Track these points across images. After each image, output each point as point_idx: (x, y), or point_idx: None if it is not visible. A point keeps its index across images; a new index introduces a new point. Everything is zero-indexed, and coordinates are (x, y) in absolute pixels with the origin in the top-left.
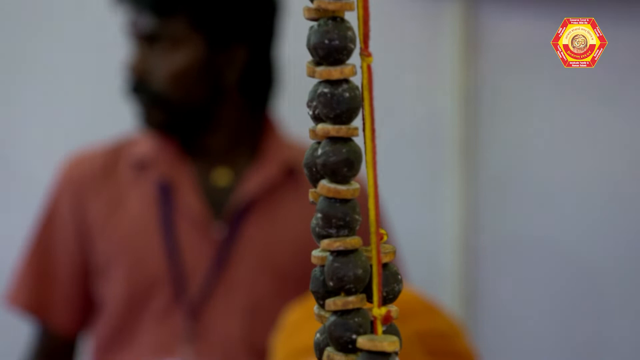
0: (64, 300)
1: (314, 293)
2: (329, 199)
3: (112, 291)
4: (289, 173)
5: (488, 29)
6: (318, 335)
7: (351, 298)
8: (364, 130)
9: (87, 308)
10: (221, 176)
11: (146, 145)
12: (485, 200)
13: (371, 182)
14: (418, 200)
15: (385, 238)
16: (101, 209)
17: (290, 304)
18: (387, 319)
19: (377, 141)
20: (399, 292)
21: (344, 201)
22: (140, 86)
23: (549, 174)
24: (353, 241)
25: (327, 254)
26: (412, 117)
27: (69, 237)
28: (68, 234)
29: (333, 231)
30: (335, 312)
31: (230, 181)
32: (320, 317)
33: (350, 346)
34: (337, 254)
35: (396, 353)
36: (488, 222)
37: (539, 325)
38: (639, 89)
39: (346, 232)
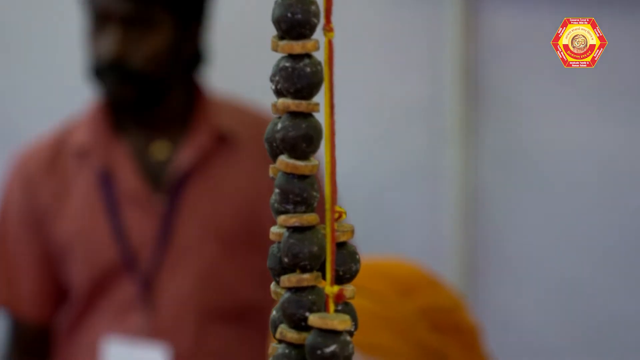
0: (32, 290)
1: (271, 270)
2: (287, 174)
3: (73, 277)
4: (221, 140)
5: (489, 7)
6: (274, 312)
7: (305, 275)
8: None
9: (56, 294)
10: (160, 149)
11: (83, 133)
12: (486, 176)
13: (328, 159)
14: (418, 177)
15: (343, 217)
16: (50, 200)
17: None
18: (339, 297)
19: (377, 117)
20: (356, 271)
21: (302, 177)
22: (116, 66)
23: (550, 152)
24: (310, 218)
25: (284, 230)
26: (412, 95)
27: (24, 230)
28: (23, 227)
29: (290, 207)
30: (289, 289)
31: (169, 154)
32: (276, 294)
33: (303, 323)
34: (293, 230)
35: (349, 332)
36: (489, 198)
37: (540, 296)
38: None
39: (303, 208)
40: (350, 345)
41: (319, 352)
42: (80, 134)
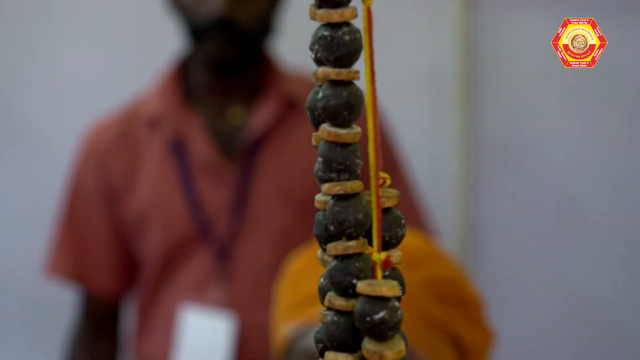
0: (104, 264)
1: (317, 237)
2: (329, 142)
3: (147, 248)
4: (290, 105)
5: None
6: (322, 279)
7: (352, 243)
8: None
9: (128, 268)
10: (236, 115)
11: (154, 103)
12: (486, 151)
13: (371, 126)
14: (418, 150)
15: (388, 182)
16: (123, 173)
17: (294, 252)
18: (386, 264)
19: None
20: (402, 237)
21: (345, 145)
22: (225, 24)
23: (548, 122)
24: (353, 185)
25: (329, 197)
26: (412, 68)
27: (97, 204)
28: (96, 201)
29: (334, 175)
30: (336, 257)
31: (244, 120)
32: (323, 262)
33: (350, 291)
34: (338, 198)
35: (397, 298)
36: (488, 169)
37: (537, 256)
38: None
39: (347, 176)
40: (399, 312)
41: (368, 318)
42: (150, 104)
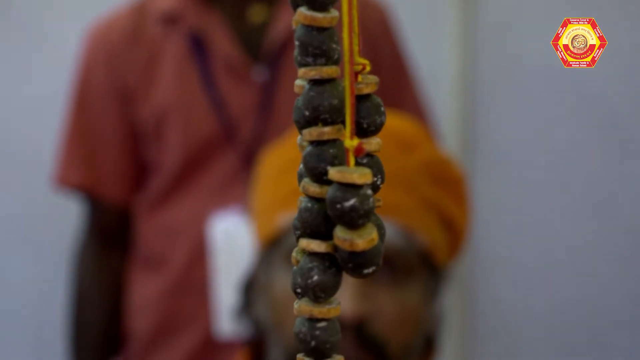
0: (114, 172)
1: (296, 122)
2: (306, 26)
3: (165, 153)
4: None
5: None
6: (301, 166)
7: (326, 129)
8: None
9: (136, 174)
10: (258, 12)
11: None
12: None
13: (345, 8)
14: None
15: (367, 69)
16: (137, 73)
17: (275, 143)
18: (359, 151)
19: None
20: (380, 124)
21: (321, 29)
22: None
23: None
24: (329, 70)
25: (305, 82)
26: None
27: (109, 107)
28: (108, 103)
29: (310, 60)
30: (311, 143)
31: (266, 17)
32: (302, 147)
33: (324, 177)
34: (314, 83)
35: (373, 185)
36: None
37: (534, 154)
38: None
39: (323, 61)
40: (371, 199)
41: (338, 206)
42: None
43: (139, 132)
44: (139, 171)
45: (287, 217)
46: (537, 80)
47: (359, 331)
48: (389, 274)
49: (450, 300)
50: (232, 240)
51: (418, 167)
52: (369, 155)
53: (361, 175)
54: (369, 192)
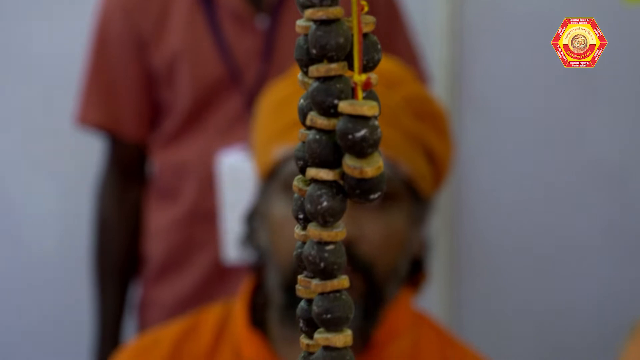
0: (131, 111)
1: (298, 61)
2: None
3: (176, 94)
4: None
5: None
6: (302, 100)
7: (333, 65)
8: None
9: (151, 114)
10: None
11: None
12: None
13: None
14: None
15: (365, 9)
16: (152, 21)
17: (272, 83)
18: (367, 85)
19: None
20: (378, 60)
21: None
22: None
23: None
24: (335, 11)
25: (311, 23)
26: None
27: (126, 53)
28: (125, 50)
29: (316, 1)
30: (317, 79)
31: None
32: (304, 84)
33: (332, 110)
34: (320, 23)
35: (375, 117)
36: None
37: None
38: None
39: (329, 1)
40: (378, 130)
41: (350, 136)
42: None
43: (153, 75)
44: (154, 111)
45: (282, 149)
46: (520, 27)
47: (348, 253)
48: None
49: (438, 229)
50: (237, 175)
51: (401, 103)
52: (369, 90)
53: (370, 108)
54: (376, 123)
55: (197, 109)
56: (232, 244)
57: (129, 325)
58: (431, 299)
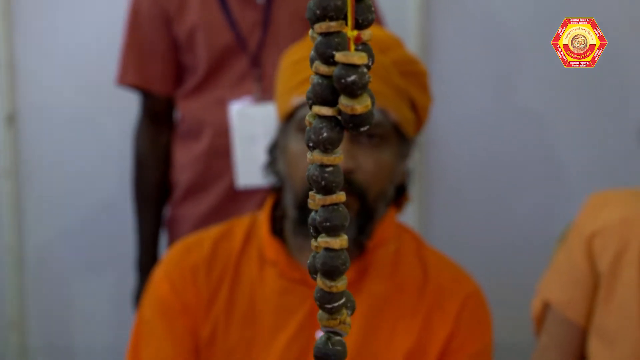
0: (161, 72)
1: (309, 19)
2: None
3: (195, 58)
4: None
5: None
6: (312, 52)
7: (333, 23)
8: None
9: (176, 74)
10: None
11: None
12: None
13: None
14: None
15: None
16: (175, 2)
17: (292, 46)
18: (357, 39)
19: None
20: (372, 20)
21: None
22: None
23: None
24: None
25: None
26: None
27: (155, 26)
28: (154, 24)
29: None
30: (321, 34)
31: None
32: (313, 38)
33: (331, 60)
34: None
35: (365, 66)
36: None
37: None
38: None
39: None
40: (367, 76)
41: (343, 80)
42: None
43: (176, 44)
44: (178, 71)
45: (298, 98)
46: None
47: (346, 180)
48: (369, 140)
49: (415, 160)
50: (244, 119)
51: (392, 64)
52: (364, 43)
53: (360, 57)
54: (365, 70)
55: (211, 69)
56: (242, 174)
57: (162, 239)
58: (409, 214)
